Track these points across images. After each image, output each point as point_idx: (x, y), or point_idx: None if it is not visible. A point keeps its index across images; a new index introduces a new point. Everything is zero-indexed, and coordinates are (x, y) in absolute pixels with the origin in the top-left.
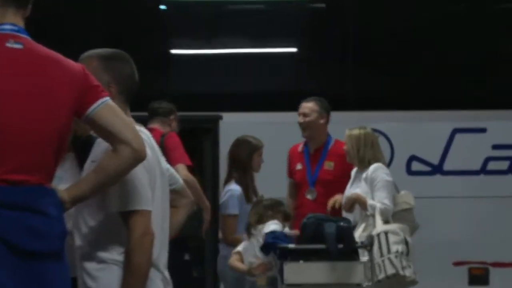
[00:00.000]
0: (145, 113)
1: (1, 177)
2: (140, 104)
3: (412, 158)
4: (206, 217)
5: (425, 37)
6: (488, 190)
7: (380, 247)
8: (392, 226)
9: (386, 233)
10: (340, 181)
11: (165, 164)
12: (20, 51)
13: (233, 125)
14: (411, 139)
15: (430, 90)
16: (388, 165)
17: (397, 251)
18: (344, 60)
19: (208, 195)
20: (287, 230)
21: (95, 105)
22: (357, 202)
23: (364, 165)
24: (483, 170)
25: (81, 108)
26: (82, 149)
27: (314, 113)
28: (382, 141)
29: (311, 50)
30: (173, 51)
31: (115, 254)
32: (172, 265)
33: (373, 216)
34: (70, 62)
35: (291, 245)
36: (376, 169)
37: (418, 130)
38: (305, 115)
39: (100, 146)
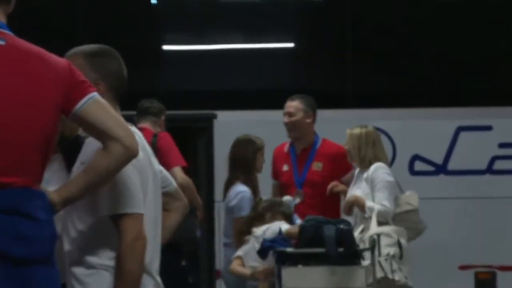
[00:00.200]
0: (134, 112)
1: None
2: (129, 103)
3: (415, 157)
4: (198, 215)
5: (427, 32)
6: (495, 190)
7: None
8: (386, 229)
9: (378, 235)
10: (329, 182)
11: (157, 166)
12: (3, 47)
13: (228, 124)
14: (413, 137)
15: (433, 87)
16: (390, 165)
17: (388, 254)
18: (344, 56)
19: (202, 197)
20: (286, 226)
21: (82, 101)
22: (355, 205)
23: (365, 165)
24: (489, 170)
25: (68, 105)
26: (70, 150)
27: (300, 112)
28: (383, 140)
29: (310, 45)
30: (165, 47)
31: (105, 259)
32: (167, 271)
33: (371, 218)
34: (54, 57)
35: (289, 249)
36: (377, 169)
37: (421, 128)
38: (290, 114)
39: (90, 146)
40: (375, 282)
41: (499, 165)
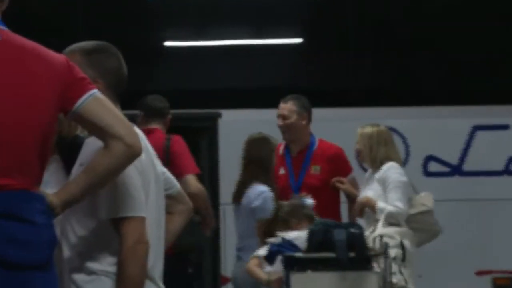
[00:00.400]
0: (135, 111)
1: None
2: (131, 102)
3: (429, 158)
4: (206, 232)
5: (441, 24)
6: None
7: None
8: (389, 230)
9: (381, 237)
10: (328, 186)
11: (160, 167)
12: None
13: (234, 124)
14: (427, 137)
15: (448, 83)
16: (404, 165)
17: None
18: (352, 52)
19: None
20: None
21: (82, 98)
22: (366, 206)
23: (376, 165)
24: (507, 171)
25: (66, 104)
26: (68, 151)
27: (294, 114)
28: (396, 139)
29: (318, 41)
30: (167, 43)
31: (106, 265)
32: (173, 279)
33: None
34: (52, 54)
35: (298, 254)
36: (389, 169)
37: (436, 128)
38: (284, 117)
39: (90, 147)
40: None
41: None
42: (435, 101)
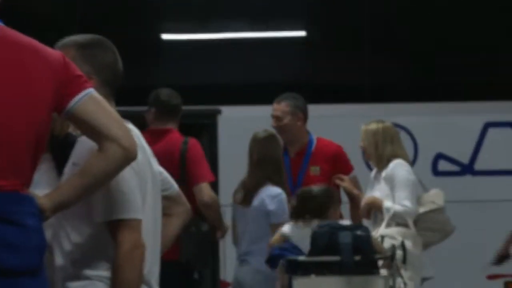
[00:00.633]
0: (130, 108)
1: None
2: (128, 99)
3: (439, 156)
4: (219, 235)
5: (452, 18)
6: None
7: None
8: (391, 231)
9: (382, 237)
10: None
11: (157, 167)
12: None
13: (234, 121)
14: (437, 135)
15: (458, 79)
16: (412, 164)
17: None
18: (360, 46)
19: None
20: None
21: (77, 97)
22: (373, 207)
23: (382, 164)
24: None
25: (61, 102)
26: (60, 150)
27: (287, 115)
28: (404, 137)
29: (323, 34)
30: (165, 36)
31: (101, 270)
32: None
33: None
34: (48, 50)
35: (301, 257)
36: (395, 166)
37: (446, 125)
38: (278, 118)
39: (83, 145)
40: None
41: None
42: (445, 96)
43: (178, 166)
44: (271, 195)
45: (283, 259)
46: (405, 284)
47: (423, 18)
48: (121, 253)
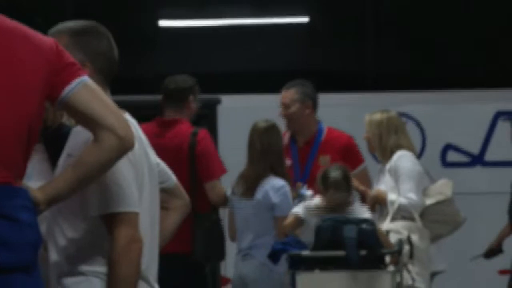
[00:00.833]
0: (125, 97)
1: None
2: (123, 87)
3: (448, 147)
4: None
5: (462, 3)
6: None
7: None
8: (396, 225)
9: (387, 232)
10: None
11: (154, 158)
12: None
13: (234, 110)
14: (446, 124)
15: (468, 66)
16: (420, 155)
17: None
18: (364, 32)
19: None
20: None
21: (71, 86)
22: (377, 200)
23: (387, 155)
24: None
25: (54, 91)
26: (52, 140)
27: (296, 103)
28: (411, 127)
29: (325, 20)
30: (162, 23)
31: (96, 266)
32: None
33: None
34: (40, 36)
35: (305, 252)
36: (399, 158)
37: (455, 114)
38: (285, 106)
39: (78, 136)
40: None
41: None
42: (454, 84)
43: (187, 161)
44: (275, 187)
45: (286, 254)
46: (413, 279)
47: (430, 6)
48: (118, 247)
